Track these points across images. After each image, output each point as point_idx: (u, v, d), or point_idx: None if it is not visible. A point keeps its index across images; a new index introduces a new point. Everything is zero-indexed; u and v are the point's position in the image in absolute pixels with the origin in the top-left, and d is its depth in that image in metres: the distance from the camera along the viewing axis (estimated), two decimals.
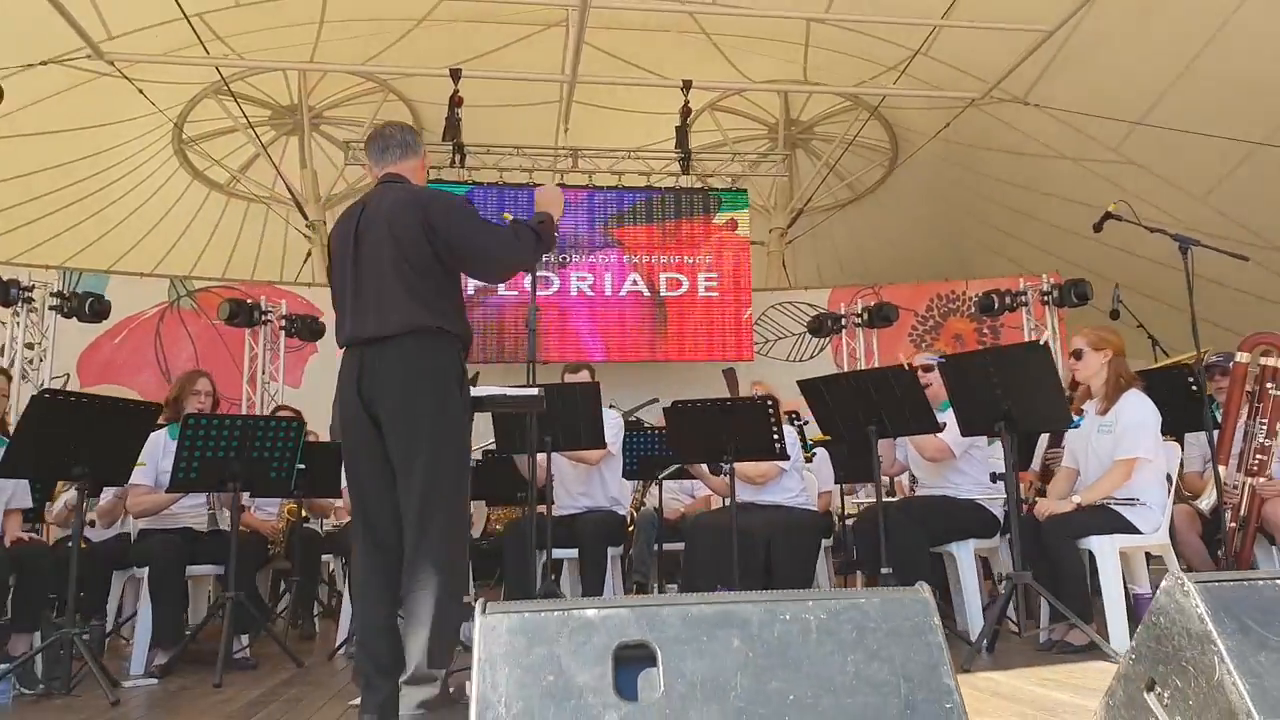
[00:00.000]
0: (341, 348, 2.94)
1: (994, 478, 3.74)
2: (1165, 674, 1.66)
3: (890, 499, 4.56)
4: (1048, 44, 8.35)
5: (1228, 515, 4.02)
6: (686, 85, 9.40)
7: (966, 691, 1.53)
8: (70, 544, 3.56)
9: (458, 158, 9.38)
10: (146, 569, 3.94)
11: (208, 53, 9.11)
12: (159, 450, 4.18)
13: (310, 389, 8.92)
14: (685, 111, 9.48)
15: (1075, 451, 3.86)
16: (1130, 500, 3.55)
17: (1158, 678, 1.68)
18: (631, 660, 1.52)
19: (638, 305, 9.42)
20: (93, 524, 4.50)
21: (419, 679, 2.62)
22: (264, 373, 8.61)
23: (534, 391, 3.53)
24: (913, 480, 4.77)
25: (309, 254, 11.15)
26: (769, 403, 4.03)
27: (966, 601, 3.95)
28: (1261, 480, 3.97)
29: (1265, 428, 3.99)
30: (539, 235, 2.99)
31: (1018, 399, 3.41)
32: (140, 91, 9.25)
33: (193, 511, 4.26)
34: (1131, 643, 1.70)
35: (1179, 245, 4.20)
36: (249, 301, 7.83)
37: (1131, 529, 3.57)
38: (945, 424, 3.82)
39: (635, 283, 9.44)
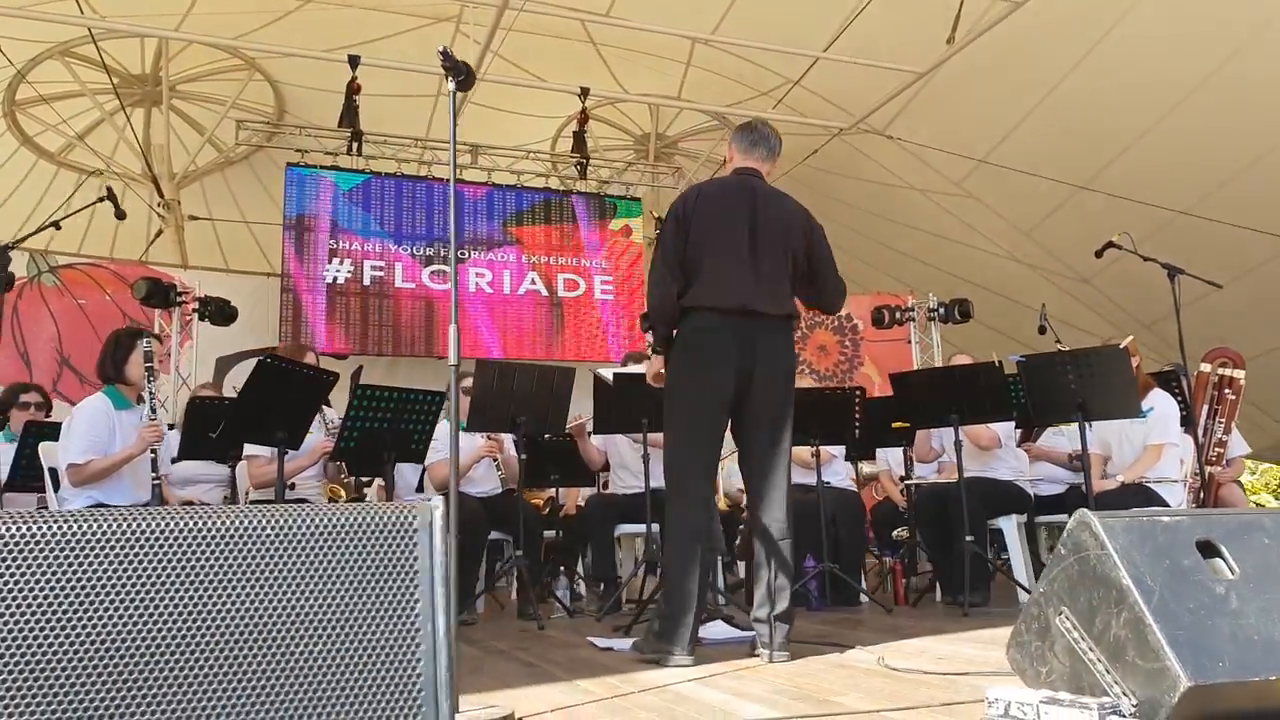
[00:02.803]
0: (703, 306, 3.17)
1: (1071, 458, 4.43)
2: None
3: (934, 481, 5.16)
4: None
5: (1189, 498, 4.93)
6: (584, 92, 9.72)
7: None
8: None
9: (355, 145, 9.16)
10: None
11: (81, 12, 8.39)
12: None
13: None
14: (583, 118, 9.79)
15: (1107, 438, 4.64)
16: (1164, 479, 4.34)
17: None
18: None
19: (535, 304, 9.59)
20: None
21: (788, 616, 2.95)
22: (176, 355, 8.06)
23: None
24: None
25: (159, 232, 10.38)
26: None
27: (1014, 564, 4.63)
28: (1219, 468, 4.94)
29: (1222, 425, 4.96)
30: None
31: (1094, 393, 4.10)
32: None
33: (312, 482, 4.18)
34: None
35: (1168, 273, 4.99)
36: (164, 281, 7.32)
37: (1164, 504, 4.36)
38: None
39: (534, 282, 9.60)
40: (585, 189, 10.14)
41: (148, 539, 1.00)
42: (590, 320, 9.69)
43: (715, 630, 3.59)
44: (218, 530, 1.04)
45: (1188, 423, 4.80)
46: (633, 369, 4.24)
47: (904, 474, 5.15)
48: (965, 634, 3.55)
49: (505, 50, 10.17)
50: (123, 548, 0.99)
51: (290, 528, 1.06)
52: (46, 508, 3.83)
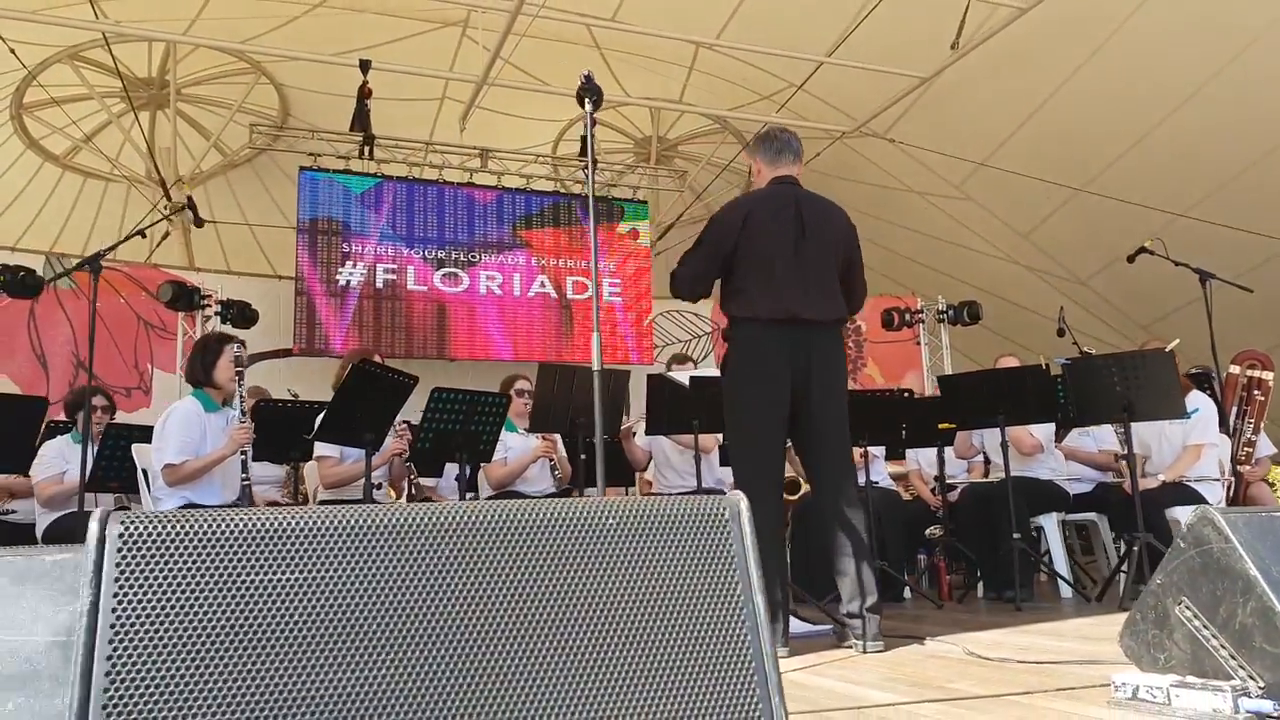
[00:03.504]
0: (757, 318, 3.29)
1: (1116, 458, 4.59)
2: None
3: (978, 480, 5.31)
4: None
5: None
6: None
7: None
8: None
9: (367, 149, 9.19)
10: None
11: (97, 16, 8.38)
12: None
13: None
14: (592, 121, 9.87)
15: (1146, 439, 4.80)
16: (1204, 478, 4.51)
17: None
18: None
19: (545, 307, 9.67)
20: None
21: (878, 608, 3.06)
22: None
23: None
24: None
25: (165, 235, 10.37)
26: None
27: (1056, 560, 4.78)
28: (1248, 468, 5.11)
29: (1252, 425, 5.13)
30: None
31: (1140, 395, 4.25)
32: (12, 51, 8.37)
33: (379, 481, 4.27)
34: None
35: (1200, 278, 5.11)
36: (188, 285, 7.35)
37: (1204, 500, 4.52)
38: None
39: (543, 285, 9.69)
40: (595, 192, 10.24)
41: (523, 528, 1.11)
42: (599, 322, 9.78)
43: (793, 626, 3.70)
44: (572, 519, 1.14)
45: (1222, 423, 4.97)
46: (705, 372, 4.34)
47: (938, 473, 5.29)
48: (1029, 627, 3.68)
49: (509, 54, 10.26)
50: (503, 535, 1.09)
51: (627, 518, 1.16)
52: (127, 508, 3.89)
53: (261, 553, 1.02)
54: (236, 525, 1.03)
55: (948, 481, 5.33)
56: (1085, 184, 9.85)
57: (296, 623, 1.01)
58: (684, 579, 1.16)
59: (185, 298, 7.11)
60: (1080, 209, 10.08)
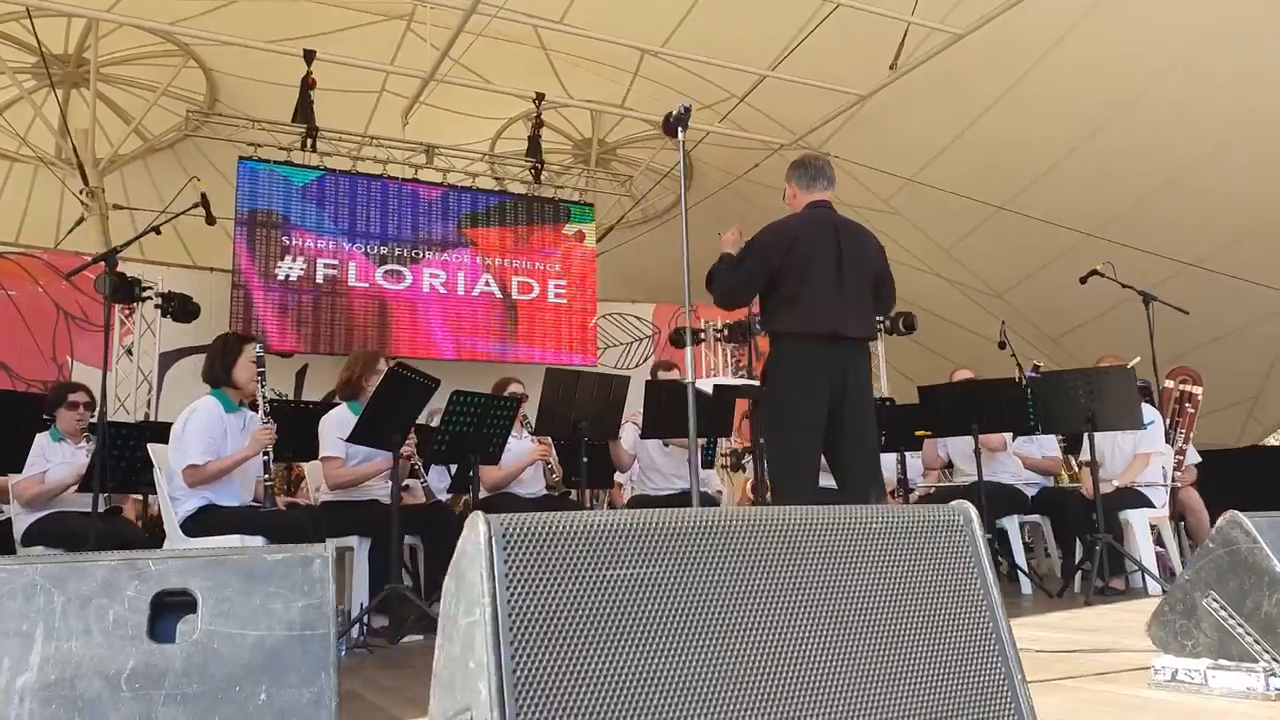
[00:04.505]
0: (803, 333, 3.46)
1: (1080, 465, 4.94)
2: None
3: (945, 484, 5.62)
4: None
5: None
6: (539, 98, 9.90)
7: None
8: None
9: (309, 141, 9.06)
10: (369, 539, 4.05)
11: None
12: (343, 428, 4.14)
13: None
14: (537, 123, 9.96)
15: (1100, 447, 5.16)
16: (1152, 484, 4.90)
17: None
18: None
19: (489, 306, 9.69)
20: None
21: None
22: (134, 352, 7.89)
23: (756, 382, 4.26)
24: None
25: (80, 219, 9.99)
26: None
27: (1017, 558, 5.13)
28: (1178, 474, 5.55)
29: (1183, 435, 5.57)
30: None
31: (1101, 406, 4.60)
32: None
33: (379, 483, 4.28)
34: None
35: (1143, 299, 5.48)
36: (129, 276, 7.12)
37: (1151, 504, 4.92)
38: None
39: (488, 283, 9.70)
40: (538, 192, 10.31)
41: (812, 531, 1.25)
42: (543, 323, 9.87)
43: None
44: (847, 524, 1.28)
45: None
46: (729, 380, 4.52)
47: (900, 477, 5.58)
48: (1016, 620, 3.95)
49: (454, 51, 10.24)
50: (799, 536, 1.24)
51: (888, 523, 1.32)
52: (119, 509, 3.83)
53: (620, 549, 1.12)
54: (596, 525, 1.13)
55: (927, 486, 5.66)
56: (1005, 202, 10.35)
57: (653, 609, 1.12)
58: (937, 574, 1.31)
59: (125, 290, 6.89)
60: (999, 226, 10.58)
